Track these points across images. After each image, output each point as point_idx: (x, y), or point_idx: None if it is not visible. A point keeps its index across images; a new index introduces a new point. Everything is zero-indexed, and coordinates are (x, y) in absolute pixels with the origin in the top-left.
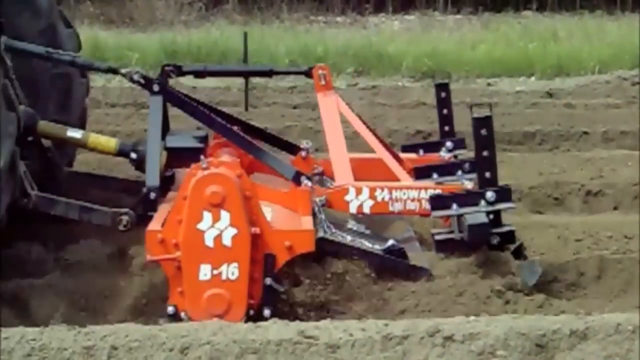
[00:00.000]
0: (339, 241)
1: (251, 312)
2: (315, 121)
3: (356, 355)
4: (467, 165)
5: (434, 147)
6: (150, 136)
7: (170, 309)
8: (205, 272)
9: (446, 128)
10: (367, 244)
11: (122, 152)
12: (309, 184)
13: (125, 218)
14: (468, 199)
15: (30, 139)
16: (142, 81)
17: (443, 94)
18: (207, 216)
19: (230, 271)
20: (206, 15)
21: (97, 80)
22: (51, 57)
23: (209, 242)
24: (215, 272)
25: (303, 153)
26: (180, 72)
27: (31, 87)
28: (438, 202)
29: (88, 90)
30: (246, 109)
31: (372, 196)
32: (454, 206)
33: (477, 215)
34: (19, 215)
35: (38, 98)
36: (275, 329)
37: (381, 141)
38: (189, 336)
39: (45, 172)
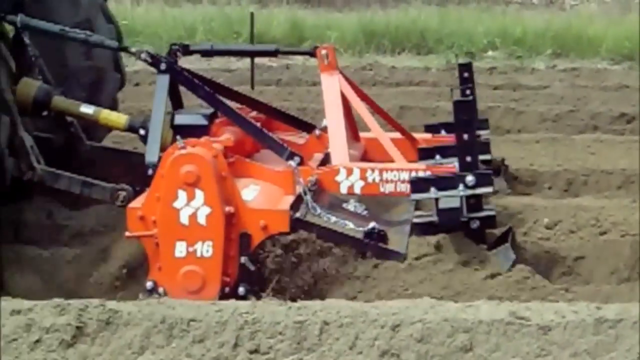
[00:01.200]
0: (314, 222)
1: (226, 289)
2: (517, 102)
3: (568, 337)
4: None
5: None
6: (154, 113)
7: (149, 284)
8: (180, 249)
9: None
10: (351, 226)
11: (131, 128)
12: (294, 164)
13: (122, 194)
14: (447, 182)
15: (44, 113)
16: (150, 60)
17: (466, 74)
18: (182, 195)
19: (205, 249)
20: None
21: (295, 58)
22: (65, 35)
23: (184, 220)
24: (190, 249)
25: (317, 132)
26: (187, 51)
27: (63, 76)
28: (417, 185)
29: (122, 83)
30: (252, 88)
31: (362, 177)
32: (432, 189)
33: (450, 199)
34: None
35: (69, 88)
36: (486, 309)
37: (392, 120)
38: (400, 314)
39: (67, 146)
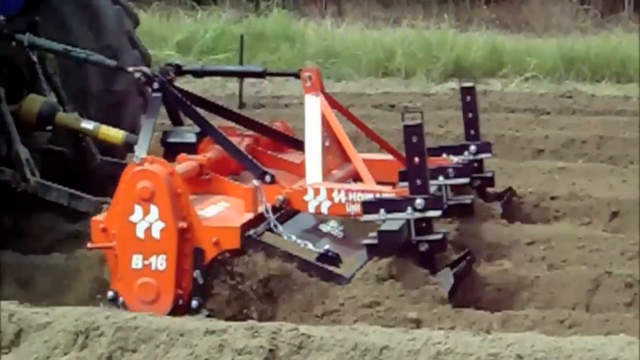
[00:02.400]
0: (264, 241)
1: (180, 302)
2: None
3: None
4: (450, 171)
5: (459, 150)
6: (142, 130)
7: (110, 294)
8: (137, 261)
9: (472, 132)
10: (309, 247)
11: (127, 144)
12: (256, 182)
13: (106, 207)
14: (396, 205)
15: (49, 128)
16: (144, 79)
17: (468, 98)
18: (138, 209)
19: (159, 262)
20: (602, 22)
21: (494, 84)
22: (68, 55)
23: (140, 233)
24: (145, 262)
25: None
26: (179, 71)
27: (84, 99)
28: (368, 206)
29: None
30: (240, 107)
31: (329, 197)
32: (382, 211)
33: (392, 222)
34: None
35: (89, 110)
36: None
37: (383, 142)
38: (596, 350)
39: (79, 160)
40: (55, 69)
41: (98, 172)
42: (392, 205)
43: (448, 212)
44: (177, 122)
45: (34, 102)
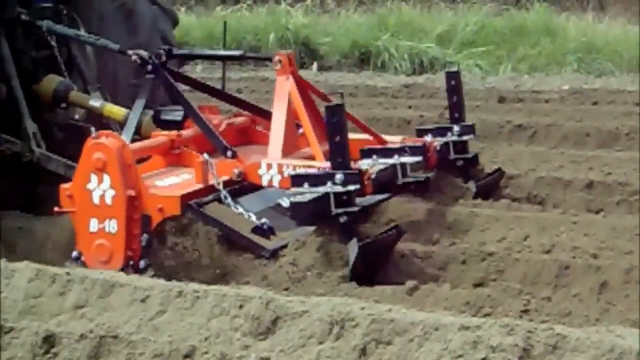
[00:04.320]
0: (202, 211)
1: (131, 262)
2: None
3: None
4: (406, 150)
5: (443, 131)
6: (133, 108)
7: (74, 254)
8: (93, 225)
9: (456, 115)
10: (252, 219)
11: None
12: (206, 156)
13: None
14: (318, 179)
15: (63, 105)
16: (139, 62)
17: (453, 82)
18: (94, 178)
19: (111, 226)
20: None
21: None
22: (79, 39)
23: (96, 200)
24: (100, 225)
25: (300, 131)
26: (170, 55)
27: (116, 90)
28: (295, 180)
29: None
30: (223, 88)
31: (280, 172)
32: (305, 185)
33: (303, 195)
34: None
35: (120, 100)
36: None
37: (359, 122)
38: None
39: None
40: (84, 53)
41: None
42: (315, 180)
43: (404, 189)
44: (175, 101)
45: (51, 82)
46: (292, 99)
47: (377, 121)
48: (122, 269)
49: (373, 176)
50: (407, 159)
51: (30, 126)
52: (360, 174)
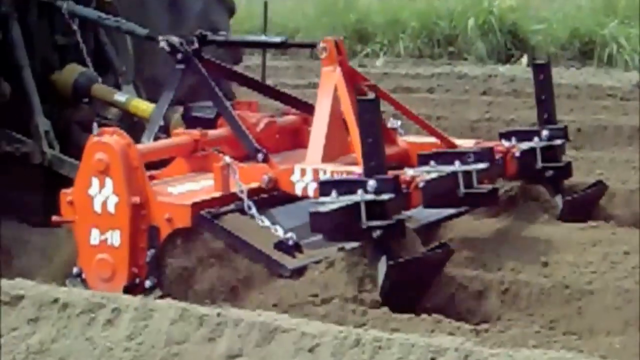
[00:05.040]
0: (217, 223)
1: (137, 280)
2: None
3: None
4: (470, 156)
5: (529, 135)
6: (159, 102)
7: (75, 270)
8: (95, 236)
9: (545, 115)
10: (279, 233)
11: None
12: (228, 160)
13: None
14: (347, 186)
15: (85, 100)
16: (168, 49)
17: (541, 76)
18: (95, 182)
19: (114, 238)
20: None
21: None
22: (101, 23)
23: (97, 207)
24: (102, 237)
25: None
26: (204, 41)
27: (152, 82)
28: (324, 187)
29: None
30: (263, 79)
31: (315, 178)
32: (334, 193)
33: (326, 204)
34: None
35: (154, 92)
36: None
37: (425, 124)
38: None
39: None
40: (120, 42)
41: None
42: (344, 187)
43: (464, 202)
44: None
45: (71, 73)
46: (338, 94)
47: (604, 130)
48: (126, 290)
49: (421, 184)
50: (472, 167)
51: (43, 124)
52: (396, 181)
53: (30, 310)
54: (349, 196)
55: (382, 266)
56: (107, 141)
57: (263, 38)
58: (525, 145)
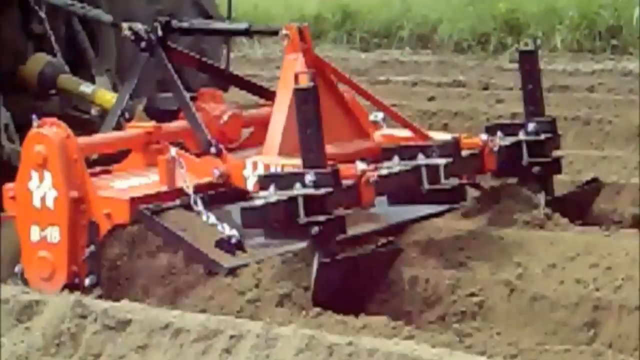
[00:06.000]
0: (154, 218)
1: (77, 280)
2: None
3: None
4: (431, 150)
5: (515, 128)
6: (120, 91)
7: (17, 268)
8: (35, 233)
9: (531, 108)
10: (227, 231)
11: None
12: (173, 153)
13: None
14: (284, 180)
15: (52, 92)
16: (132, 37)
17: (527, 65)
18: (35, 176)
19: (53, 234)
20: None
21: None
22: (68, 9)
23: (37, 202)
24: (42, 234)
25: None
26: (169, 28)
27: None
28: (263, 182)
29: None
30: (227, 68)
31: None
32: (271, 187)
33: (258, 199)
34: None
35: None
36: None
37: (396, 116)
38: None
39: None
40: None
41: None
42: (282, 181)
43: (428, 198)
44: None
45: (37, 63)
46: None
47: None
48: (66, 289)
49: (373, 179)
50: (433, 161)
51: (3, 116)
52: (336, 175)
53: (139, 337)
54: (286, 191)
55: (315, 264)
56: (45, 133)
57: (226, 25)
58: (509, 139)
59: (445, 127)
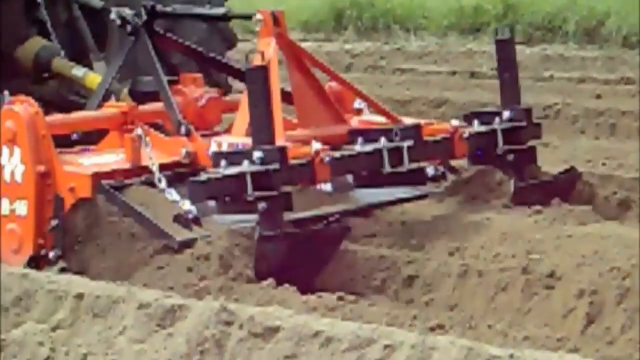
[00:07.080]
0: (114, 193)
1: (43, 252)
2: None
3: None
4: (397, 133)
5: (491, 117)
6: (105, 75)
7: None
8: (5, 206)
9: (507, 96)
10: (186, 207)
11: None
12: (139, 131)
13: None
14: (235, 157)
15: (45, 75)
16: (119, 22)
17: (503, 53)
18: (6, 151)
19: (21, 207)
20: None
21: None
22: None
23: (7, 176)
24: (11, 207)
25: None
26: (153, 13)
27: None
28: (215, 158)
29: None
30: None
31: None
32: (223, 163)
33: (203, 175)
34: None
35: None
36: None
37: (370, 100)
38: None
39: None
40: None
41: None
42: (232, 157)
43: (389, 180)
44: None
45: (33, 46)
46: (271, 68)
47: None
48: (32, 261)
49: (327, 159)
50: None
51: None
52: (283, 152)
53: (287, 345)
54: (235, 167)
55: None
56: (16, 110)
57: (205, 10)
58: (482, 127)
59: (612, 128)
